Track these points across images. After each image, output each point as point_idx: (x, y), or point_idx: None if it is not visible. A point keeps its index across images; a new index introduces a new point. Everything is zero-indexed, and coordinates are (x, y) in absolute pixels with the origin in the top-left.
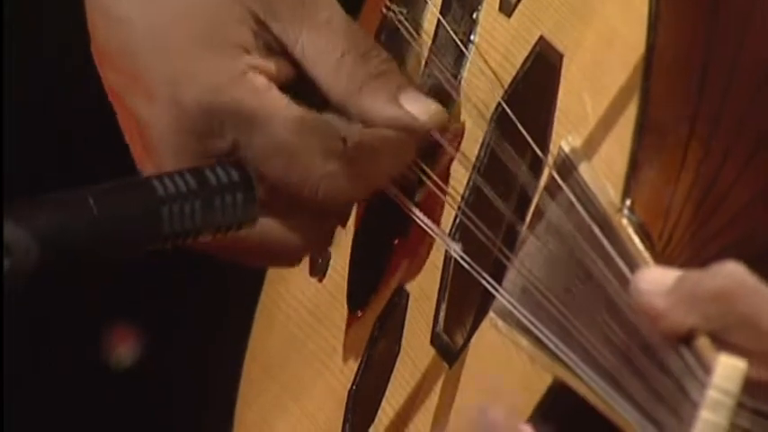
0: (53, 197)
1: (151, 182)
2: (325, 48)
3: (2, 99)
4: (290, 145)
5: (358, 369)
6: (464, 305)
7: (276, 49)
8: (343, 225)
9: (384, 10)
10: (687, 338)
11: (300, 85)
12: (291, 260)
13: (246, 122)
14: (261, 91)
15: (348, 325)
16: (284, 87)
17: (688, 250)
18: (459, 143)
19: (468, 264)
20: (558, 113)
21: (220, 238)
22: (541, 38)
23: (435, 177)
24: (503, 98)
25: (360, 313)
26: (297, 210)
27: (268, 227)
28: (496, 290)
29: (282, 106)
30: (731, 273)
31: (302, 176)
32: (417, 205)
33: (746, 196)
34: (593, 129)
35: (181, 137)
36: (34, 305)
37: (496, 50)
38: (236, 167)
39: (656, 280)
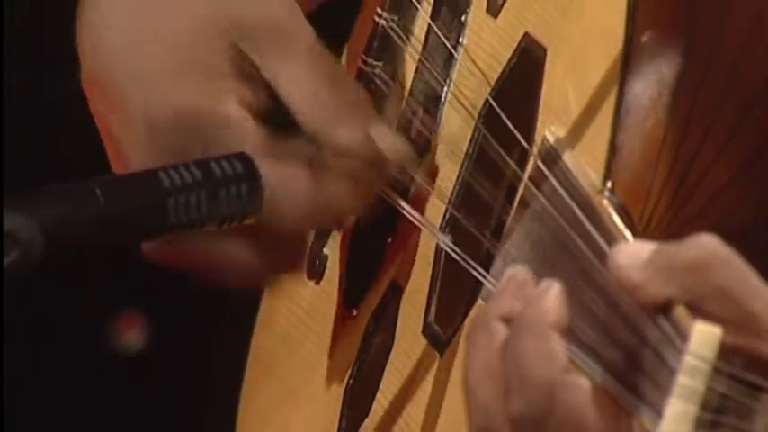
0: (59, 187)
1: (157, 173)
2: (301, 78)
3: (2, 99)
4: None
5: (354, 365)
6: (454, 295)
7: (253, 76)
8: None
9: (376, 18)
10: (665, 309)
11: (276, 113)
12: (263, 281)
13: (212, 146)
14: (231, 116)
15: (344, 324)
16: (259, 114)
17: (668, 231)
18: (434, 179)
19: (458, 254)
20: (542, 106)
21: (179, 257)
22: (526, 34)
23: (426, 176)
24: (490, 94)
25: (355, 312)
26: (263, 232)
27: (236, 248)
28: (484, 276)
29: (249, 132)
30: (705, 244)
31: (268, 206)
32: (409, 203)
33: (724, 179)
34: (575, 118)
35: (154, 157)
36: (34, 299)
37: (484, 50)
38: (241, 160)
39: (633, 253)
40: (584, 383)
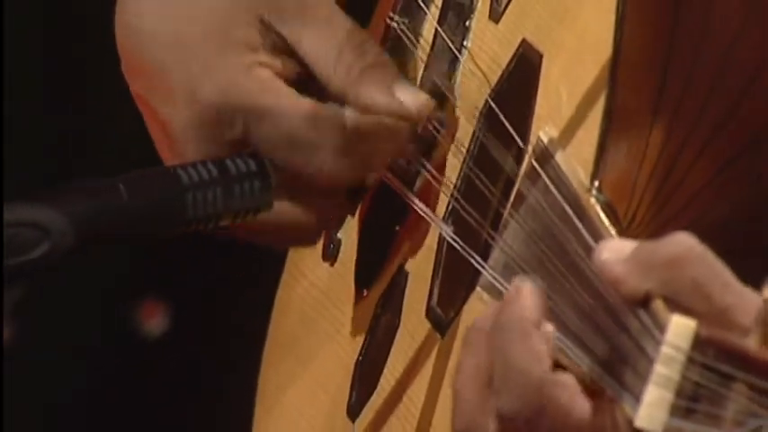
0: (86, 184)
1: (176, 171)
2: (325, 43)
3: (2, 99)
4: (293, 129)
5: (363, 342)
6: (455, 282)
7: (282, 48)
8: (351, 212)
9: (388, 20)
10: (644, 302)
11: (304, 83)
12: (305, 239)
13: (254, 111)
14: (266, 82)
15: (355, 303)
16: (290, 84)
17: (650, 229)
18: (454, 135)
19: (459, 244)
20: (537, 108)
21: (240, 224)
22: (524, 40)
23: (432, 169)
24: (490, 96)
25: (366, 292)
26: (304, 191)
27: (281, 208)
28: (482, 266)
29: (286, 95)
30: (681, 241)
31: (305, 158)
32: (416, 194)
33: (700, 183)
34: (567, 120)
35: (199, 128)
36: (45, 293)
37: (486, 54)
38: (253, 158)
39: (615, 249)
40: (569, 380)
